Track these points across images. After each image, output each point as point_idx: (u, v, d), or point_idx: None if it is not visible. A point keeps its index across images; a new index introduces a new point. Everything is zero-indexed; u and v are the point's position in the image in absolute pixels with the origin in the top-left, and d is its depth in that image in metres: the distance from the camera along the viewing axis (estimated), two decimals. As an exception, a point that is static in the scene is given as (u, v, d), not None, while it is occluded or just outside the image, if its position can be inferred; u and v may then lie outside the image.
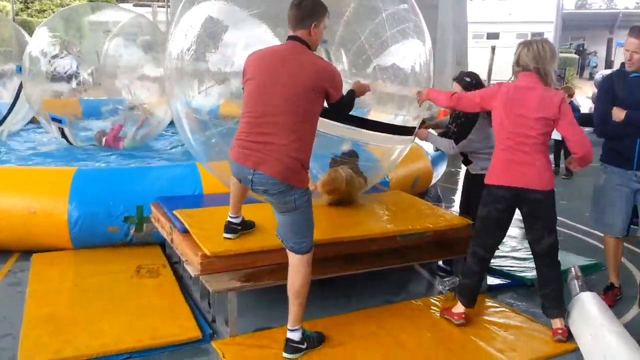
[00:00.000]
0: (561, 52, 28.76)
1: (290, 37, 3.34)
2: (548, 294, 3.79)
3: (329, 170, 4.60)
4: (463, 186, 5.07)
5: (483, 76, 24.98)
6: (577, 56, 32.67)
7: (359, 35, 4.50)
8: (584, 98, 18.45)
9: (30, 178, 5.23)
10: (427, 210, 4.80)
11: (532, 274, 4.49)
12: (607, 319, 3.60)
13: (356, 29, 4.54)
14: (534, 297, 4.41)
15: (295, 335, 3.40)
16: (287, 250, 3.39)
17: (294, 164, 3.19)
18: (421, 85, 4.61)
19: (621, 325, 3.60)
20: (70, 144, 8.43)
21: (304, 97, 3.18)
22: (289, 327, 3.40)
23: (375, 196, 5.03)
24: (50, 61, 8.28)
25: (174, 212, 4.36)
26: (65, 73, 8.43)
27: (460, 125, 4.51)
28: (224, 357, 3.40)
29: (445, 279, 4.63)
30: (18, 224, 4.88)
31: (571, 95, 10.01)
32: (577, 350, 3.60)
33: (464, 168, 4.81)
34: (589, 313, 3.70)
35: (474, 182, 4.64)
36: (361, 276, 4.34)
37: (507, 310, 4.13)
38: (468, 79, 4.50)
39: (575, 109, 9.51)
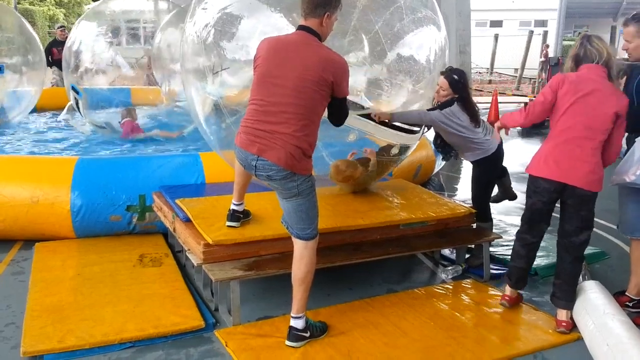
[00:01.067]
0: (565, 40, 28.58)
1: (300, 27, 3.31)
2: (562, 285, 3.76)
3: (344, 160, 4.60)
4: None
5: (486, 64, 24.79)
6: (580, 44, 32.44)
7: (374, 25, 4.46)
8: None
9: (32, 167, 5.22)
10: (430, 199, 4.79)
11: (535, 262, 4.48)
12: (611, 307, 3.58)
13: (372, 18, 4.49)
14: (538, 285, 4.41)
15: (299, 324, 3.40)
16: (293, 237, 3.39)
17: (298, 153, 3.19)
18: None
19: (625, 314, 3.58)
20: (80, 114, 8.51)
21: (310, 88, 3.17)
22: (292, 314, 3.41)
23: (379, 185, 5.01)
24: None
25: (177, 201, 4.36)
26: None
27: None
28: (227, 346, 3.41)
29: (448, 268, 4.62)
30: (21, 213, 4.88)
31: None
32: (580, 339, 3.60)
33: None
34: (592, 301, 3.68)
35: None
36: (364, 265, 4.33)
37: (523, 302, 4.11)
38: (456, 77, 4.42)
39: None
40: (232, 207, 3.89)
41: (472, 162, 4.61)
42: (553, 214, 3.82)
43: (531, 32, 24.32)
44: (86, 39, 8.78)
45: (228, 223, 3.87)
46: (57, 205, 4.86)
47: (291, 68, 3.18)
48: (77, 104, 8.48)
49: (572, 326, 3.71)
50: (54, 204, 4.87)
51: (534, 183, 3.73)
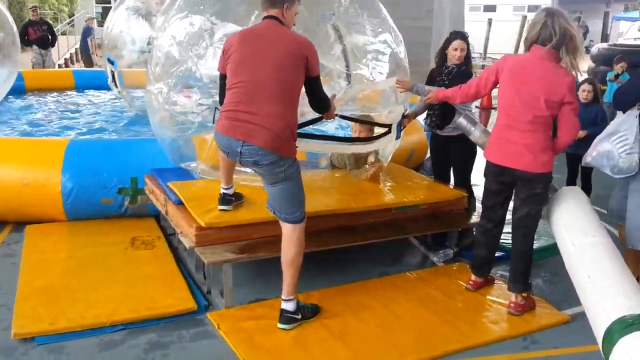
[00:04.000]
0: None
1: (265, 17, 3.41)
2: (513, 268, 3.80)
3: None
4: (432, 156, 5.12)
5: (480, 48, 24.76)
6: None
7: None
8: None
9: (23, 149, 5.17)
10: (423, 183, 4.80)
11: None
12: (592, 225, 3.51)
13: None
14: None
15: (290, 306, 3.42)
16: (280, 221, 3.39)
17: (284, 133, 3.21)
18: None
19: (607, 234, 3.51)
20: (116, 87, 8.37)
21: (289, 63, 3.24)
22: (283, 297, 3.42)
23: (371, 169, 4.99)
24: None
25: (169, 184, 4.34)
26: None
27: (449, 82, 4.50)
28: (219, 328, 3.42)
29: (440, 251, 4.64)
30: (11, 195, 4.83)
31: None
32: (569, 322, 3.63)
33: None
34: (571, 216, 3.62)
35: (444, 146, 4.77)
36: (357, 248, 4.34)
37: (501, 282, 4.14)
38: (467, 35, 4.59)
39: None
40: (222, 190, 3.87)
41: (459, 136, 4.60)
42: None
43: (524, 17, 24.21)
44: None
45: (220, 207, 3.86)
46: (48, 188, 4.82)
47: (268, 48, 3.26)
48: (112, 76, 8.29)
49: (522, 307, 3.72)
50: (44, 186, 4.83)
51: (486, 165, 3.79)
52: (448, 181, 4.98)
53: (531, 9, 32.35)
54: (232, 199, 3.90)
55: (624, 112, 3.61)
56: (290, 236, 3.37)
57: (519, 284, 3.75)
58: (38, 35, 12.07)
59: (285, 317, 3.41)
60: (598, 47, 14.98)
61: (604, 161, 3.62)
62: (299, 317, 3.45)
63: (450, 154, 4.79)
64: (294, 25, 3.59)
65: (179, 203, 4.07)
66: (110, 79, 8.50)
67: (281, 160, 3.22)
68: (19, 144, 5.37)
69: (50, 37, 12.43)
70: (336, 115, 4.12)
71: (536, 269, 4.41)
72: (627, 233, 3.71)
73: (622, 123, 3.55)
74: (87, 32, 16.30)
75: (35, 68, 12.19)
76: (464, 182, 4.74)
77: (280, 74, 3.23)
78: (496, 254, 4.26)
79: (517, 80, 3.52)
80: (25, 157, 5.00)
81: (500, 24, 26.44)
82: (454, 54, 4.54)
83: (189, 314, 3.60)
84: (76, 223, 4.95)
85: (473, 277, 4.05)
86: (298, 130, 4.10)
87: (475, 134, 4.07)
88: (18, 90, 10.51)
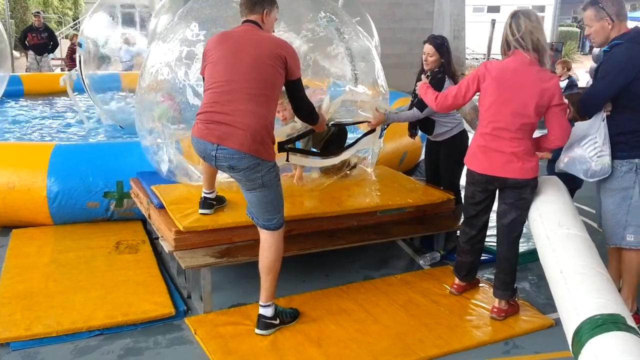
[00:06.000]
0: (561, 26, 28.39)
1: (245, 21, 3.38)
2: (498, 274, 3.72)
3: None
4: (425, 155, 5.04)
5: (483, 50, 24.77)
6: (578, 30, 32.30)
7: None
8: (583, 72, 18.25)
9: (9, 153, 5.16)
10: (409, 185, 4.75)
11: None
12: (568, 217, 3.42)
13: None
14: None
15: (268, 312, 3.38)
16: (259, 227, 3.35)
17: (261, 134, 3.14)
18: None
19: (583, 227, 3.43)
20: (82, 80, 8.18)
21: (267, 62, 3.18)
22: (261, 303, 3.38)
23: (357, 171, 4.95)
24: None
25: (152, 187, 4.31)
26: None
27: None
28: (195, 333, 3.39)
29: (426, 254, 4.59)
30: (-3, 199, 4.83)
31: (569, 68, 9.86)
32: (552, 326, 3.58)
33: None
34: (548, 207, 3.53)
35: (436, 149, 4.70)
36: (342, 251, 4.30)
37: (486, 285, 4.09)
38: (439, 41, 4.46)
39: (573, 83, 9.36)
40: (203, 194, 3.84)
41: (445, 141, 4.57)
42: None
43: (493, 21, 24.09)
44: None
45: (201, 210, 3.83)
46: (34, 192, 4.81)
47: (246, 48, 3.21)
48: (80, 61, 8.08)
49: (505, 312, 3.67)
50: (30, 190, 4.81)
51: (468, 174, 3.71)
52: (439, 184, 4.93)
53: (535, 9, 32.25)
54: (213, 203, 3.87)
55: (590, 117, 3.55)
56: (268, 243, 3.33)
57: (504, 291, 3.68)
58: (36, 41, 12.16)
59: (263, 322, 3.37)
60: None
61: (577, 166, 3.56)
62: (277, 322, 3.41)
63: (439, 156, 4.74)
64: (274, 31, 3.58)
65: (160, 207, 4.04)
66: (78, 66, 8.17)
67: (259, 165, 3.16)
68: (5, 148, 5.34)
69: (51, 43, 12.51)
70: (327, 125, 4.09)
71: (523, 272, 4.38)
72: (606, 233, 3.64)
73: (591, 127, 3.49)
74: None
75: (28, 72, 12.28)
76: (451, 185, 4.70)
77: (258, 73, 3.17)
78: (483, 257, 4.24)
79: (505, 89, 3.41)
80: (11, 161, 4.98)
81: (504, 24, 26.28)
82: (424, 60, 4.48)
83: (167, 319, 3.57)
84: (62, 227, 4.94)
85: (457, 280, 4.00)
86: (288, 145, 4.11)
87: (464, 108, 3.97)
88: (17, 94, 10.61)
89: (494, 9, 33.31)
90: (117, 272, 4.11)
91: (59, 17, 27.41)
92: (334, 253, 4.28)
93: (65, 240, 4.69)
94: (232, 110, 3.14)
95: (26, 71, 12.30)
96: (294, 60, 3.30)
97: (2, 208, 4.87)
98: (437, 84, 4.23)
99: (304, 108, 3.52)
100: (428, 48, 4.44)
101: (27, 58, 12.41)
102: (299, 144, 4.47)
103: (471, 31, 19.08)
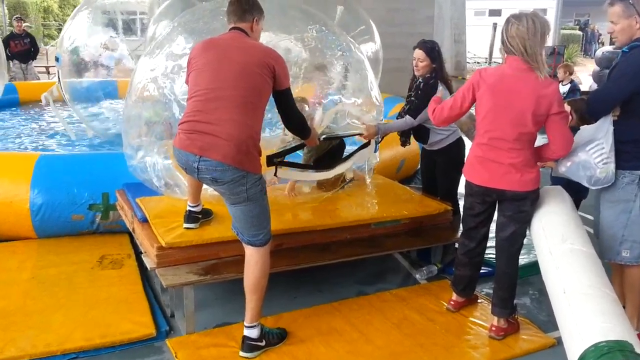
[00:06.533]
0: (564, 29, 28.22)
1: (232, 28, 3.24)
2: (497, 291, 3.54)
3: None
4: (421, 164, 4.85)
5: (485, 54, 24.57)
6: (580, 33, 32.11)
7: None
8: (586, 76, 18.07)
9: (-10, 163, 5.00)
10: (405, 196, 4.57)
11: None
12: (572, 230, 3.22)
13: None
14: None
15: (253, 333, 3.20)
16: (244, 244, 3.17)
17: (246, 145, 2.96)
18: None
19: (588, 241, 3.21)
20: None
21: (254, 70, 3.02)
22: (246, 324, 3.20)
23: (352, 182, 4.77)
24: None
25: (137, 199, 4.14)
26: None
27: (416, 99, 4.27)
28: (176, 357, 3.20)
29: (423, 268, 4.41)
30: (-22, 211, 4.66)
31: (571, 72, 9.66)
32: (553, 346, 3.39)
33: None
34: (551, 218, 3.33)
35: (432, 158, 4.52)
36: (335, 265, 4.12)
37: (484, 302, 3.91)
38: (430, 45, 4.27)
39: (575, 88, 9.15)
40: (188, 208, 3.67)
41: (441, 150, 4.38)
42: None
43: (495, 25, 23.97)
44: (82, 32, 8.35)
45: (185, 225, 3.66)
46: (16, 204, 4.64)
47: (233, 56, 3.05)
48: (58, 74, 7.91)
49: (505, 331, 3.48)
50: (12, 203, 4.65)
51: (467, 185, 3.52)
52: (437, 194, 4.74)
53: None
54: (198, 217, 3.70)
55: (596, 120, 3.35)
56: (254, 259, 3.16)
57: (502, 308, 3.50)
58: (19, 48, 11.93)
59: (248, 344, 3.19)
60: (602, 50, 14.68)
61: (580, 171, 3.35)
62: (263, 344, 3.23)
63: (436, 165, 4.55)
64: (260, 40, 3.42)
65: (144, 220, 3.86)
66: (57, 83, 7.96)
67: (243, 178, 2.98)
68: (-13, 159, 5.19)
69: (32, 50, 12.26)
70: (319, 139, 3.92)
71: (524, 286, 4.20)
72: (601, 246, 3.45)
73: (598, 131, 3.29)
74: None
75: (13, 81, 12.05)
76: (449, 194, 4.51)
77: (244, 81, 3.00)
78: (481, 271, 4.05)
79: (501, 97, 3.22)
80: (-8, 171, 4.82)
81: (506, 28, 26.08)
82: (415, 66, 4.30)
83: (148, 341, 3.39)
84: (46, 241, 4.77)
85: (454, 296, 3.81)
86: (278, 160, 3.93)
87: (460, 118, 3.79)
88: (13, 103, 10.48)
89: (496, 13, 33.16)
90: (99, 288, 3.94)
91: (59, 24, 27.35)
92: (327, 266, 4.09)
93: (48, 254, 4.52)
94: (216, 119, 2.96)
95: (10, 80, 12.04)
96: (283, 70, 3.14)
97: (-17, 222, 4.70)
98: (429, 91, 4.06)
99: (294, 120, 3.35)
100: (418, 53, 4.26)
101: (9, 67, 12.08)
102: (302, 156, 4.29)
103: (472, 35, 18.95)
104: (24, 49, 12.02)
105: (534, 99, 3.15)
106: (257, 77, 3.02)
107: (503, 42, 3.24)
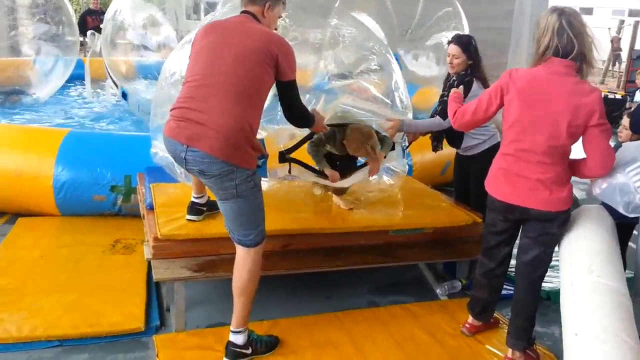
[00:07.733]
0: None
1: (242, 12, 3.01)
2: (514, 320, 3.18)
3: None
4: (455, 169, 4.48)
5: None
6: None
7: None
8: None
9: (20, 137, 5.02)
10: (433, 203, 4.23)
11: (549, 285, 3.89)
12: (603, 261, 2.80)
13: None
14: (548, 312, 3.81)
15: (239, 339, 3.00)
16: (234, 243, 2.97)
17: (237, 137, 2.73)
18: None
19: (620, 277, 2.78)
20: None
21: (253, 57, 2.78)
22: (231, 328, 3.00)
23: (376, 183, 4.46)
24: None
25: (151, 185, 4.02)
26: None
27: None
28: (157, 356, 3.04)
29: (445, 283, 4.08)
30: (4, 185, 4.68)
31: None
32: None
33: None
34: (581, 245, 2.92)
35: (465, 165, 4.18)
36: (350, 271, 3.87)
37: (503, 322, 3.55)
38: (466, 40, 3.96)
39: None
40: (193, 199, 3.50)
41: (476, 156, 4.04)
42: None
43: (622, 22, 22.63)
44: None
45: (188, 217, 3.49)
46: (40, 180, 4.64)
47: (233, 40, 2.83)
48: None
49: None
50: (37, 178, 4.65)
51: (489, 199, 3.16)
52: (469, 203, 4.38)
53: (633, 13, 30.22)
54: (202, 209, 3.53)
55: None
56: (243, 260, 2.95)
57: (517, 339, 3.15)
58: (95, 24, 12.23)
59: (232, 351, 2.99)
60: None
61: (617, 196, 2.91)
62: (249, 352, 3.02)
63: (469, 173, 4.20)
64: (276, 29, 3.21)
65: (151, 208, 3.73)
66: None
67: (232, 173, 2.76)
68: (15, 132, 5.22)
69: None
70: (328, 125, 3.66)
71: (556, 313, 3.77)
72: (637, 283, 3.02)
73: (639, 149, 2.86)
74: None
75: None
76: (481, 206, 4.12)
77: (241, 68, 2.77)
78: (506, 291, 3.69)
79: (530, 103, 2.84)
80: (20, 146, 4.84)
81: (595, 30, 24.75)
82: (449, 62, 3.96)
83: (136, 335, 3.26)
84: (67, 219, 4.77)
85: (470, 319, 3.48)
86: (290, 155, 3.70)
87: (497, 119, 3.41)
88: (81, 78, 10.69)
89: (587, 11, 31.58)
90: (102, 274, 3.85)
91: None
92: (339, 272, 3.84)
93: (64, 234, 4.50)
94: (207, 107, 2.75)
95: (88, 55, 12.37)
96: (288, 60, 2.88)
97: (10, 195, 4.73)
98: (464, 89, 3.71)
99: (295, 115, 3.09)
100: (453, 49, 3.92)
101: (84, 41, 12.41)
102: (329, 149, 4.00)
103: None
104: (99, 24, 12.38)
105: (571, 107, 2.77)
106: (255, 65, 2.78)
107: (552, 40, 2.79)
